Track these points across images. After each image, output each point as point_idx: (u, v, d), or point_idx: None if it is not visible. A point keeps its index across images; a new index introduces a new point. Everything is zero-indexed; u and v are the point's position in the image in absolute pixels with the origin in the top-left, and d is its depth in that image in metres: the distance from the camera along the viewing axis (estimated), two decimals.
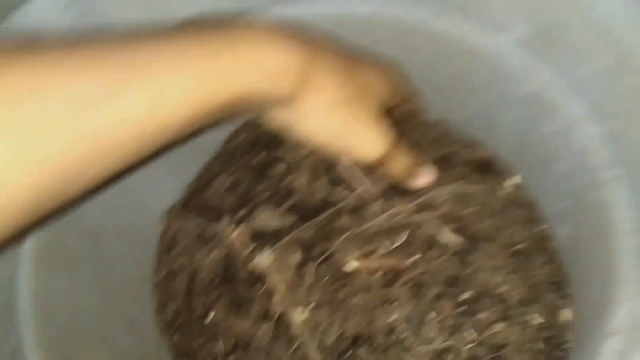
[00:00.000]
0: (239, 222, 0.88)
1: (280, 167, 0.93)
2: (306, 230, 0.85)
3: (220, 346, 0.88)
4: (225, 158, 1.01)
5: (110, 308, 0.86)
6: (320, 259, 0.82)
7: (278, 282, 0.83)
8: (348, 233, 0.84)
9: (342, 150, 0.63)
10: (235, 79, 0.42)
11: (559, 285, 0.82)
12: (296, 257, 0.84)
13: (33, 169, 0.31)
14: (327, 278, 0.82)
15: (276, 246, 0.84)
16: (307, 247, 0.84)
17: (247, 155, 1.00)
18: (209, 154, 1.02)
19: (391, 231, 0.83)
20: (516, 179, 0.91)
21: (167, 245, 0.96)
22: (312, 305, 0.81)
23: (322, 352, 0.80)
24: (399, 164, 0.70)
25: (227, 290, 0.88)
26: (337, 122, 0.57)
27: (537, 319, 0.79)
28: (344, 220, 0.85)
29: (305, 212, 0.87)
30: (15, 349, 0.64)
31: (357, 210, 0.85)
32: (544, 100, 0.76)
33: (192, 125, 0.42)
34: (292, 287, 0.83)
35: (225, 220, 0.88)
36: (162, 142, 0.41)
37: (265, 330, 0.85)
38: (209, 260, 0.90)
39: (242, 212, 0.91)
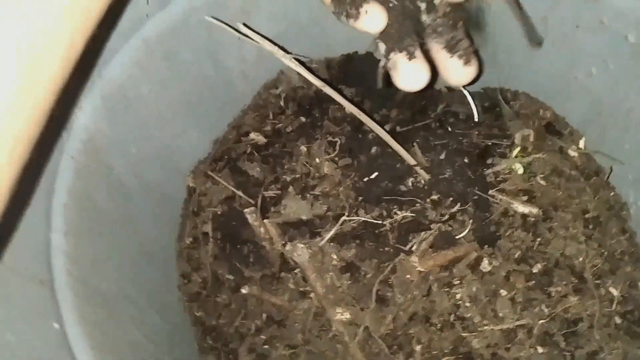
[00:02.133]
0: (267, 211, 0.81)
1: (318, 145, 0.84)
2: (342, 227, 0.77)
3: (250, 322, 0.80)
4: (258, 112, 0.91)
5: (136, 279, 0.77)
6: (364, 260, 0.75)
7: (315, 281, 0.75)
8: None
9: None
10: None
11: (636, 257, 0.76)
12: (332, 257, 0.76)
13: None
14: (370, 275, 0.74)
15: (311, 243, 0.76)
16: (342, 244, 0.76)
17: (281, 115, 0.91)
18: (240, 106, 0.92)
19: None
20: (582, 142, 0.84)
21: (195, 207, 0.87)
22: (354, 306, 0.74)
23: (362, 349, 0.73)
24: None
25: (259, 267, 0.80)
26: None
27: (613, 292, 0.73)
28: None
29: (334, 204, 0.79)
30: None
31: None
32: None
33: None
34: (331, 288, 0.75)
35: (253, 210, 0.79)
36: None
37: (302, 310, 0.77)
38: (238, 235, 0.81)
39: (271, 191, 0.82)
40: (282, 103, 0.91)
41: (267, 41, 0.64)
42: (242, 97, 0.91)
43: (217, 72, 0.83)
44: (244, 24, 0.63)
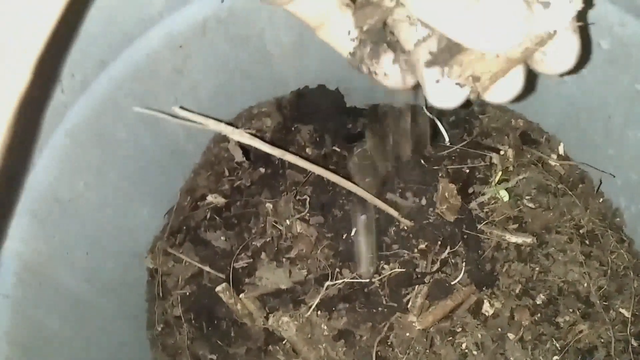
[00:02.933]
0: (241, 284, 0.73)
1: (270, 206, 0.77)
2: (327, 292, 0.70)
3: None
4: (211, 170, 0.82)
5: None
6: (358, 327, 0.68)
7: (307, 353, 0.68)
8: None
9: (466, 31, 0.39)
10: None
11: (639, 268, 0.72)
12: (322, 328, 0.69)
13: None
14: (366, 337, 0.68)
15: (295, 314, 0.69)
16: (331, 311, 0.69)
17: (237, 170, 0.82)
18: (189, 166, 0.83)
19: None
20: (561, 148, 0.79)
21: (160, 291, 0.78)
22: None
23: None
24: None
25: (242, 341, 0.72)
26: None
27: (624, 313, 0.69)
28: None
29: (314, 266, 0.72)
30: None
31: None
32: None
33: None
34: (326, 358, 0.68)
35: (226, 287, 0.71)
36: None
37: None
38: (214, 313, 0.73)
39: (242, 261, 0.74)
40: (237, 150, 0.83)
41: (210, 120, 0.55)
42: (190, 157, 0.82)
43: (158, 140, 0.74)
44: (181, 107, 0.54)
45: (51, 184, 0.59)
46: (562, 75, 0.46)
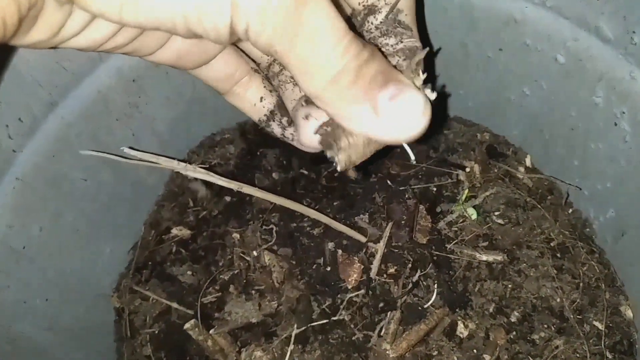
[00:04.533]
0: (210, 319, 0.70)
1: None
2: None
3: None
4: (175, 202, 0.80)
5: None
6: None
7: None
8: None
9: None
10: None
11: (611, 279, 0.71)
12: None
13: None
14: None
15: (268, 348, 0.67)
16: (304, 344, 0.67)
17: (202, 200, 0.80)
18: (152, 199, 0.81)
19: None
20: (528, 160, 0.78)
21: (128, 331, 0.75)
22: None
23: None
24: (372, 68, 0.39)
25: None
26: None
27: (598, 326, 0.68)
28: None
29: (285, 297, 0.70)
30: None
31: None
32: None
33: None
34: None
35: (195, 324, 0.68)
36: None
37: None
38: (185, 351, 0.71)
39: (210, 296, 0.72)
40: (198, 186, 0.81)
41: (162, 158, 0.54)
42: (153, 189, 0.80)
43: (117, 175, 0.72)
44: (130, 147, 0.52)
45: (4, 233, 0.57)
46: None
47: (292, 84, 0.50)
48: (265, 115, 0.53)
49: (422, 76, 0.40)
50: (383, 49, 0.46)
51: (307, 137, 0.45)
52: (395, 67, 0.41)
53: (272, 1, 0.33)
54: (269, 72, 0.52)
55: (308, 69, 0.36)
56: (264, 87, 0.52)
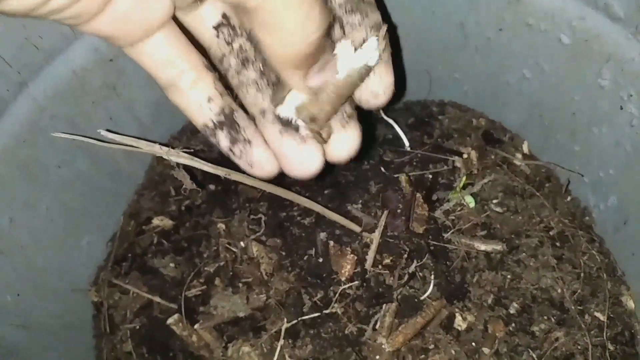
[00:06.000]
0: (195, 313, 0.67)
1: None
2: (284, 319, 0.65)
3: None
4: (156, 190, 0.76)
5: None
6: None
7: None
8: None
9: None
10: None
11: (612, 268, 0.69)
12: (286, 357, 0.64)
13: None
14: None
15: (257, 343, 0.64)
16: (295, 338, 0.64)
17: (185, 188, 0.76)
18: (132, 188, 0.76)
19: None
20: (525, 147, 0.76)
21: (107, 326, 0.71)
22: None
23: None
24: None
25: None
26: None
27: (599, 317, 0.66)
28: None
29: (274, 290, 0.66)
30: None
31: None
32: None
33: None
34: None
35: (178, 319, 0.64)
36: None
37: None
38: (168, 346, 0.67)
39: (195, 289, 0.68)
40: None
41: (142, 142, 0.49)
42: (132, 177, 0.76)
43: (95, 163, 0.67)
44: (108, 130, 0.48)
45: None
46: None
47: (255, 88, 0.44)
48: (211, 120, 0.45)
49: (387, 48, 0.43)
50: (348, 26, 0.45)
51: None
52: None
53: None
54: (228, 66, 0.45)
55: (285, 26, 0.35)
56: (215, 88, 0.45)
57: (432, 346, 0.64)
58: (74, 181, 0.65)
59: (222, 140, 0.46)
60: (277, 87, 0.44)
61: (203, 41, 0.45)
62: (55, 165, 0.61)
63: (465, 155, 0.72)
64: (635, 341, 0.67)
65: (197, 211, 0.75)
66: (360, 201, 0.69)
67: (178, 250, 0.72)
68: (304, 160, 0.45)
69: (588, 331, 0.65)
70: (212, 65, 0.45)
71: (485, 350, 0.64)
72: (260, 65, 0.44)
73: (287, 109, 0.44)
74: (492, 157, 0.74)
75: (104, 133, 0.47)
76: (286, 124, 0.44)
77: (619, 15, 0.54)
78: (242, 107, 0.47)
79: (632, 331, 0.67)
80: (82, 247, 0.70)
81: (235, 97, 0.47)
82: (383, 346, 0.62)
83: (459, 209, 0.68)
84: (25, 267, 0.61)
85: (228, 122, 0.45)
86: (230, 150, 0.46)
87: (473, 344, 0.64)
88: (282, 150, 0.46)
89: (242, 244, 0.68)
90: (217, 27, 0.44)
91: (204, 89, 0.44)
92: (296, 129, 0.45)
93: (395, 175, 0.71)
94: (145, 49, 0.42)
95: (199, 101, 0.44)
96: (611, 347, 0.65)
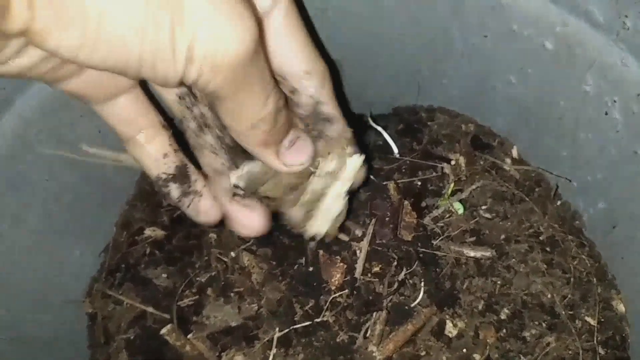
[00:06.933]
0: (188, 323, 0.67)
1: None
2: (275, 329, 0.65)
3: None
4: (147, 201, 0.77)
5: None
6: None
7: None
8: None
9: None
10: None
11: (602, 272, 0.69)
12: None
13: None
14: None
15: (249, 352, 0.64)
16: (287, 347, 0.64)
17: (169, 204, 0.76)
18: (123, 198, 0.77)
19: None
20: (514, 152, 0.76)
21: (102, 337, 0.71)
22: None
23: None
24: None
25: None
26: None
27: (590, 321, 0.66)
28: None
29: (266, 299, 0.67)
30: None
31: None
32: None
33: None
34: None
35: (171, 329, 0.65)
36: None
37: None
38: (162, 356, 0.68)
39: (187, 299, 0.68)
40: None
41: (124, 155, 0.50)
42: (123, 188, 0.76)
43: (84, 175, 0.68)
44: (94, 144, 0.48)
45: None
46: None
47: (211, 150, 0.48)
48: (164, 173, 0.50)
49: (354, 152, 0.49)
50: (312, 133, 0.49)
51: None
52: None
53: (226, 59, 0.34)
54: (187, 128, 0.49)
55: (242, 112, 0.40)
56: (170, 145, 0.50)
57: (423, 353, 0.65)
58: (63, 193, 0.66)
59: (174, 191, 0.50)
60: (233, 152, 0.46)
61: (166, 101, 0.49)
62: (44, 180, 0.62)
63: (453, 162, 0.72)
64: (626, 345, 0.67)
65: (188, 221, 0.75)
66: (349, 209, 0.69)
67: (170, 261, 0.72)
68: (248, 224, 0.51)
69: (579, 336, 0.65)
70: (169, 122, 0.50)
71: (477, 356, 0.64)
72: (217, 130, 0.47)
73: (239, 177, 0.47)
74: (481, 162, 0.74)
75: (85, 148, 0.48)
76: (236, 187, 0.48)
77: (599, 21, 0.54)
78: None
79: (623, 335, 0.67)
80: (74, 259, 0.71)
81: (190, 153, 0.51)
82: (374, 354, 0.63)
83: (447, 215, 0.69)
84: (16, 280, 0.61)
85: (180, 177, 0.50)
86: (179, 200, 0.51)
87: (464, 350, 0.64)
88: (228, 211, 0.51)
89: (232, 253, 0.69)
90: (180, 96, 0.46)
91: (159, 145, 0.49)
92: (244, 196, 0.47)
93: (384, 183, 0.71)
94: (111, 108, 0.47)
95: (155, 156, 0.49)
96: (602, 352, 0.65)
